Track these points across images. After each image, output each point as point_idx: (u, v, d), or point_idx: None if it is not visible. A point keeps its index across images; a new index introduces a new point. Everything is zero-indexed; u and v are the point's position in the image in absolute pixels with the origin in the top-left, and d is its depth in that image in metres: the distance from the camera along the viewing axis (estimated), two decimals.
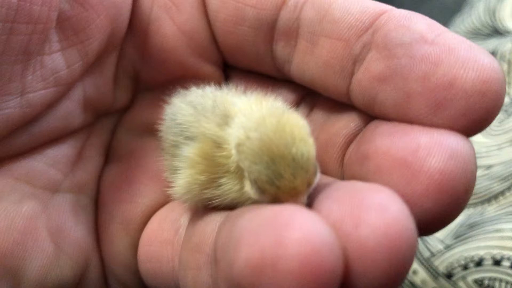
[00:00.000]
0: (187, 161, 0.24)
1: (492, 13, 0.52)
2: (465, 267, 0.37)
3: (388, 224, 0.17)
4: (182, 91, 0.27)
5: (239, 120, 0.22)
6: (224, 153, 0.23)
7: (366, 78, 0.23)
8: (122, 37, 0.28)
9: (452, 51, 0.21)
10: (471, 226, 0.39)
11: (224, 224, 0.21)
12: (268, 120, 0.21)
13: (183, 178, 0.24)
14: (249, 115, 0.22)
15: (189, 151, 0.24)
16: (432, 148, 0.20)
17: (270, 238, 0.16)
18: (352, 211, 0.18)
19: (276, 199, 0.21)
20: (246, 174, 0.22)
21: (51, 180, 0.27)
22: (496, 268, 0.35)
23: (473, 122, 0.20)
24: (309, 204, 0.21)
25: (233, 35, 0.27)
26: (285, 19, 0.26)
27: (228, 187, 0.23)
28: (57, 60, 0.24)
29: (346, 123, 0.25)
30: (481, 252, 0.37)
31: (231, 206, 0.24)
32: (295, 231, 0.16)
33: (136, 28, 0.28)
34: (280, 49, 0.27)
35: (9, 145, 0.25)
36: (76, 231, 0.27)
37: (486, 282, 0.36)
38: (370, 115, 0.24)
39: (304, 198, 0.21)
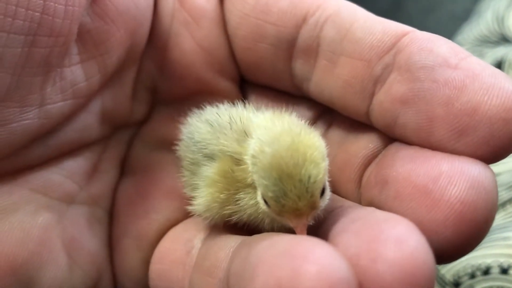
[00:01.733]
0: (207, 180, 0.24)
1: (501, 20, 0.52)
2: (472, 276, 0.37)
3: (406, 258, 0.17)
4: (196, 111, 0.27)
5: (259, 132, 0.23)
6: (242, 167, 0.23)
7: (388, 99, 0.23)
8: (141, 51, 0.28)
9: (476, 76, 0.20)
10: None
11: (238, 251, 0.21)
12: (283, 137, 0.21)
13: (204, 196, 0.24)
14: (269, 129, 0.22)
15: (209, 170, 0.24)
16: (454, 177, 0.20)
17: (287, 269, 0.16)
18: (369, 245, 0.18)
19: (281, 216, 0.21)
20: (257, 186, 0.22)
21: (67, 191, 0.27)
22: (503, 276, 0.36)
23: (496, 149, 0.20)
24: (325, 234, 0.21)
25: (252, 51, 0.27)
26: (305, 37, 0.26)
27: (245, 202, 0.23)
28: (77, 73, 0.24)
29: (365, 143, 0.25)
30: (488, 260, 0.37)
31: (249, 222, 0.24)
32: (313, 264, 0.16)
33: (155, 42, 0.28)
34: (299, 66, 0.26)
35: (27, 156, 0.25)
36: (90, 244, 0.27)
37: None
38: (390, 136, 0.24)
39: (307, 220, 0.21)
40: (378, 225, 0.18)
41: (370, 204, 0.23)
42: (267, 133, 0.22)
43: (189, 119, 0.27)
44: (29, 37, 0.21)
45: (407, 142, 0.23)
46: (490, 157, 0.20)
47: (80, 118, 0.26)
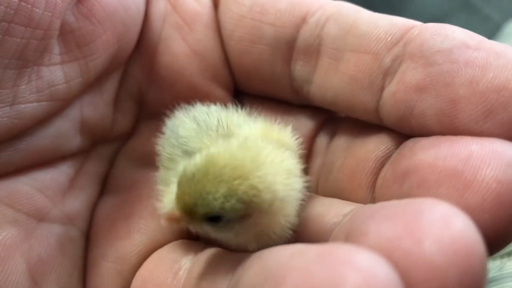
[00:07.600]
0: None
1: None
2: None
3: (457, 237, 0.15)
4: (186, 107, 0.25)
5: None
6: None
7: (402, 89, 0.21)
8: (128, 56, 0.26)
9: (500, 54, 0.19)
10: (489, 281, 0.37)
11: (248, 264, 0.18)
12: None
13: (173, 193, 0.22)
14: None
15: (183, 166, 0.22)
16: (486, 156, 0.18)
17: (325, 277, 0.14)
18: (409, 226, 0.15)
19: None
20: None
21: (37, 206, 0.24)
22: None
23: None
24: (344, 231, 0.19)
25: (248, 54, 0.26)
26: (305, 37, 0.25)
27: None
28: (56, 73, 0.23)
29: (376, 145, 0.23)
30: None
31: None
32: (355, 272, 0.14)
33: (144, 47, 0.27)
34: (299, 68, 0.25)
35: None
36: (59, 267, 0.24)
37: None
38: (403, 132, 0.22)
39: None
40: (413, 206, 0.16)
41: None
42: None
43: (176, 112, 0.25)
44: (3, 23, 0.20)
45: (426, 133, 0.21)
46: None
47: (55, 124, 0.24)
